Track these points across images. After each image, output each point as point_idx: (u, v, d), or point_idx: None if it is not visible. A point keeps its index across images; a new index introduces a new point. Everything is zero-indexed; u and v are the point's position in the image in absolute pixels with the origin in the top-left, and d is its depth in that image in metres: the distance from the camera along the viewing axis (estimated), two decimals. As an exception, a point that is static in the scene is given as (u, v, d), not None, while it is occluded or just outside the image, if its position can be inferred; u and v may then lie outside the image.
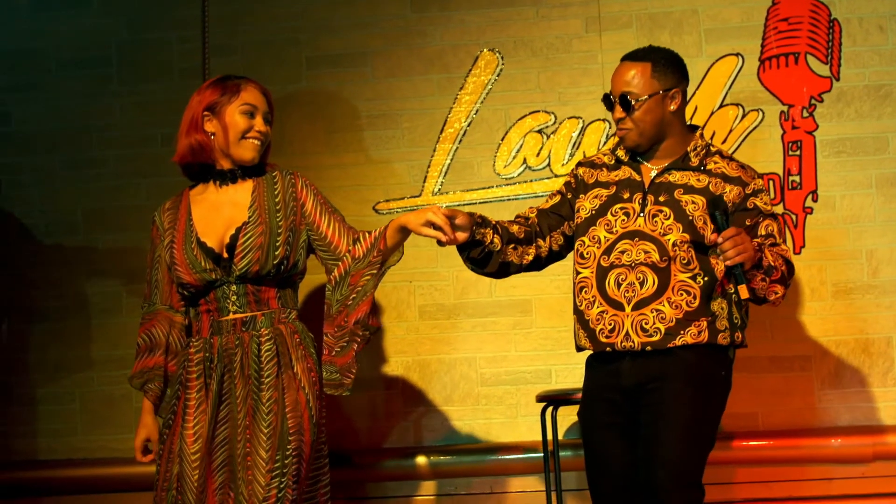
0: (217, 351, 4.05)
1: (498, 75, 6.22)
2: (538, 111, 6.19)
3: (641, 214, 4.11)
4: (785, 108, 6.01)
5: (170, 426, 4.06)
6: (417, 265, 6.05)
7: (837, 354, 5.91)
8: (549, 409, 5.58)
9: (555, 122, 6.18)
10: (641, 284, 4.02)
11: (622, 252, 4.09)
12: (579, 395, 5.48)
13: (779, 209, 5.88)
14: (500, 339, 6.13)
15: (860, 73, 6.07)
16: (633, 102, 4.12)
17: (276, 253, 4.07)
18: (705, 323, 4.00)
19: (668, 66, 4.17)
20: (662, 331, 4.00)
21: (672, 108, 4.14)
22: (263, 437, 3.94)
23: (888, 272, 5.96)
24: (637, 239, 4.10)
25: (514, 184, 6.17)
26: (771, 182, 5.94)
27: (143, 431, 4.24)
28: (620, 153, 4.27)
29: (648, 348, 4.02)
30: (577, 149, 6.14)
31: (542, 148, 6.18)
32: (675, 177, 4.13)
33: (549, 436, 5.53)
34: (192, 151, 4.16)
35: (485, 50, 6.24)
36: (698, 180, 4.10)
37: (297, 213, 4.16)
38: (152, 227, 4.30)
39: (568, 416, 5.95)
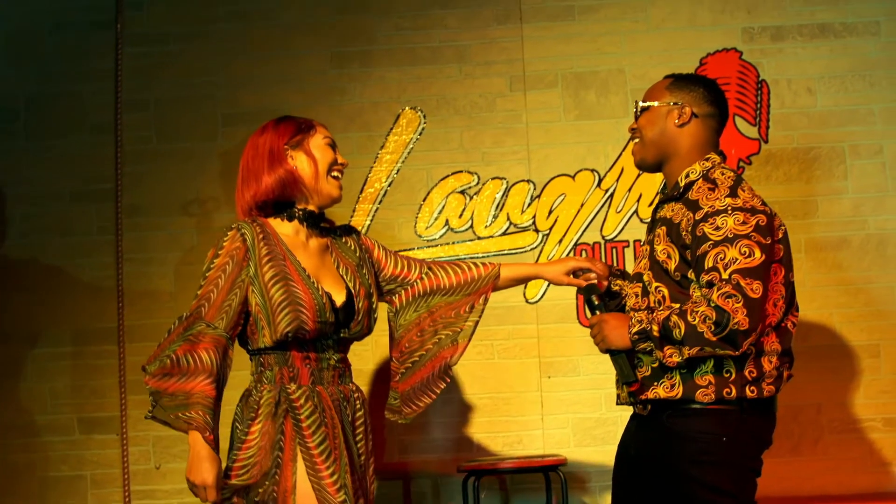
0: (330, 401, 3.85)
1: (420, 134, 6.10)
2: (461, 171, 6.09)
3: (645, 257, 3.91)
4: (712, 171, 5.93)
5: (277, 480, 3.75)
6: (335, 329, 5.90)
7: (766, 422, 5.80)
8: (472, 480, 5.46)
9: (478, 183, 6.08)
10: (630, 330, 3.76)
11: (628, 298, 3.96)
12: (501, 464, 5.44)
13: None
14: (421, 406, 5.96)
15: (789, 135, 6.04)
16: (642, 109, 3.96)
17: (375, 316, 4.03)
18: (678, 376, 3.71)
19: (686, 84, 3.95)
20: (640, 379, 3.76)
21: (676, 121, 3.88)
22: None
23: (818, 338, 5.90)
24: (634, 282, 3.93)
25: (436, 245, 6.04)
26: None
27: (214, 466, 3.70)
28: (660, 196, 4.07)
29: (631, 400, 3.81)
30: (501, 210, 6.03)
31: (464, 209, 6.06)
32: (663, 210, 3.91)
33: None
34: (282, 184, 3.90)
35: (406, 108, 6.14)
36: (672, 210, 3.84)
37: (374, 267, 4.14)
38: (239, 242, 3.84)
39: (491, 487, 5.89)
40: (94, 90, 6.22)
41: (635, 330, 3.69)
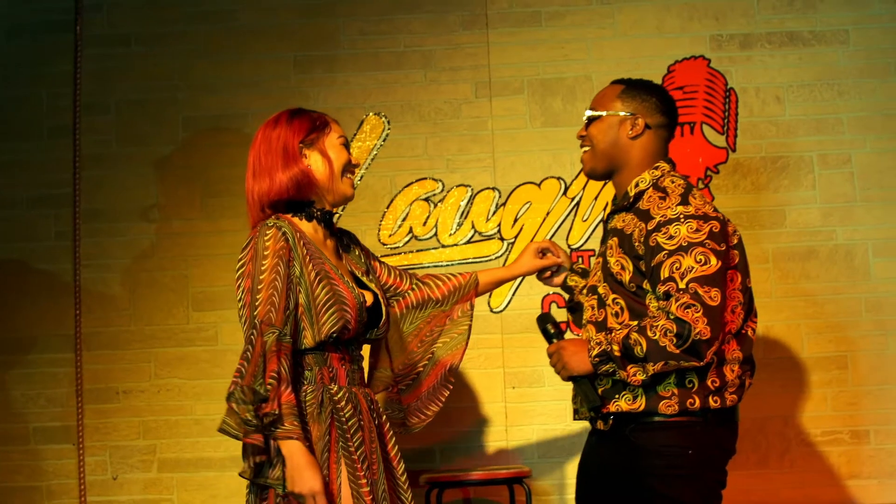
0: (364, 404, 3.79)
1: (384, 140, 6.03)
2: (425, 178, 6.03)
3: (599, 269, 3.85)
4: (680, 179, 5.89)
5: (326, 482, 3.62)
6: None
7: (733, 434, 5.75)
8: (434, 492, 5.43)
9: (442, 190, 6.01)
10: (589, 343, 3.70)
11: (584, 310, 3.89)
12: (465, 476, 5.37)
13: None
14: (383, 416, 5.89)
15: (757, 144, 6.00)
16: (592, 118, 3.88)
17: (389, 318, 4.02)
18: (640, 388, 3.64)
19: (639, 93, 3.87)
20: (600, 393, 3.70)
21: (630, 133, 3.80)
22: None
23: (784, 349, 5.86)
24: (589, 295, 3.87)
25: (400, 254, 5.98)
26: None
27: (318, 472, 3.57)
28: (611, 207, 3.97)
29: (591, 414, 3.75)
30: (466, 218, 5.96)
31: (428, 217, 5.99)
32: (614, 220, 3.85)
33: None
34: (298, 186, 3.79)
35: (370, 114, 6.07)
36: (623, 221, 3.78)
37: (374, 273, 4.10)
38: (283, 242, 3.69)
39: (454, 499, 5.81)
40: (53, 93, 6.13)
41: (595, 353, 3.63)
